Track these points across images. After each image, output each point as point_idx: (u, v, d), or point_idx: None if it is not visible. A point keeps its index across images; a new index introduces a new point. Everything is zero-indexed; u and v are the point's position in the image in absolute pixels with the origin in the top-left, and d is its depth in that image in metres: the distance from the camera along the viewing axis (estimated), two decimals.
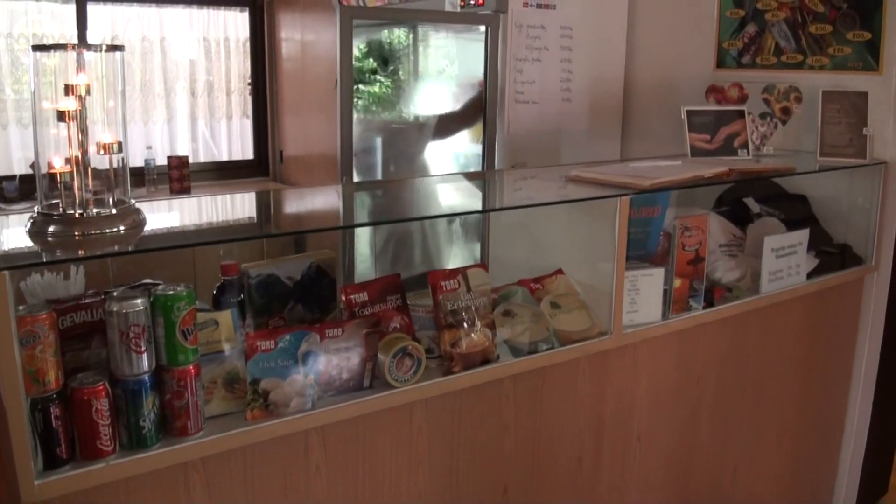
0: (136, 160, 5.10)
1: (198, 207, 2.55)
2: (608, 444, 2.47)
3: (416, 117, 4.03)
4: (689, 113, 3.11)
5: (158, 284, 1.71)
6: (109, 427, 1.58)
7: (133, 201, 1.85)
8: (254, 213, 2.41)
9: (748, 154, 3.12)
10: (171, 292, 1.62)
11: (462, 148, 3.83)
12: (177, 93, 5.38)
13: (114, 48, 1.80)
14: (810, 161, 3.18)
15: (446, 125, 3.90)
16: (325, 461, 1.87)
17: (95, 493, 1.58)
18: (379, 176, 3.99)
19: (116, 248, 1.75)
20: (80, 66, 1.74)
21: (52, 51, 1.75)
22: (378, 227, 3.69)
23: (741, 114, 3.18)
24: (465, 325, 2.04)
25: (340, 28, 3.07)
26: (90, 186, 1.77)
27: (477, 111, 3.61)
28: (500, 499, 2.24)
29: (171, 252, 1.76)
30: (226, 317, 1.75)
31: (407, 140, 4.05)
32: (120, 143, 1.79)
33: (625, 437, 2.52)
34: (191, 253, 3.14)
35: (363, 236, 4.13)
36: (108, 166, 1.79)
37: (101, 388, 1.56)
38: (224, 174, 5.47)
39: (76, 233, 1.72)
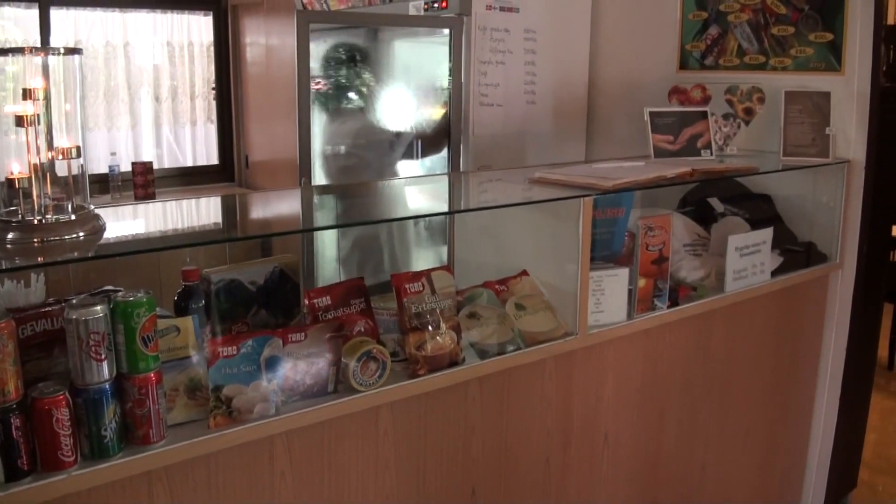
0: (101, 167, 5.05)
1: (153, 213, 2.53)
2: (575, 445, 2.48)
3: (381, 122, 4.03)
4: (653, 114, 3.13)
5: (119, 291, 1.70)
6: (71, 437, 1.56)
7: (92, 207, 1.83)
8: (215, 218, 2.39)
9: (711, 154, 3.14)
10: (130, 299, 1.60)
11: (428, 151, 3.83)
12: (141, 98, 5.34)
13: (72, 51, 1.78)
14: (773, 161, 3.21)
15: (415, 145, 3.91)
16: (291, 467, 1.86)
17: None
18: (346, 180, 3.99)
19: (76, 254, 1.74)
20: (39, 70, 1.72)
21: (10, 55, 1.73)
22: (344, 231, 3.69)
23: (704, 115, 3.21)
24: (430, 327, 2.04)
25: (297, 32, 3.07)
26: (49, 192, 1.75)
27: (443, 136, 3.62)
28: (467, 501, 2.24)
29: (136, 258, 1.75)
30: (187, 323, 1.73)
31: (374, 145, 4.05)
32: (79, 148, 1.77)
33: (592, 437, 2.53)
34: (156, 259, 3.12)
35: (328, 240, 4.12)
36: (67, 172, 1.78)
37: (61, 397, 1.54)
38: (189, 180, 5.42)
39: (35, 239, 1.70)
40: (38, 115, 1.70)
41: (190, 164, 5.55)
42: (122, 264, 1.72)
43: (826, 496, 3.52)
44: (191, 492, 1.73)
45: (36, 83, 1.70)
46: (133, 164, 4.97)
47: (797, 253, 3.17)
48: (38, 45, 4.81)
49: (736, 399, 3.00)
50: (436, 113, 3.72)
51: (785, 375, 3.23)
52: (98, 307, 1.57)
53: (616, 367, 2.53)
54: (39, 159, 1.72)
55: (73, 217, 1.76)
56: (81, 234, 1.75)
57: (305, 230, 2.97)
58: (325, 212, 2.55)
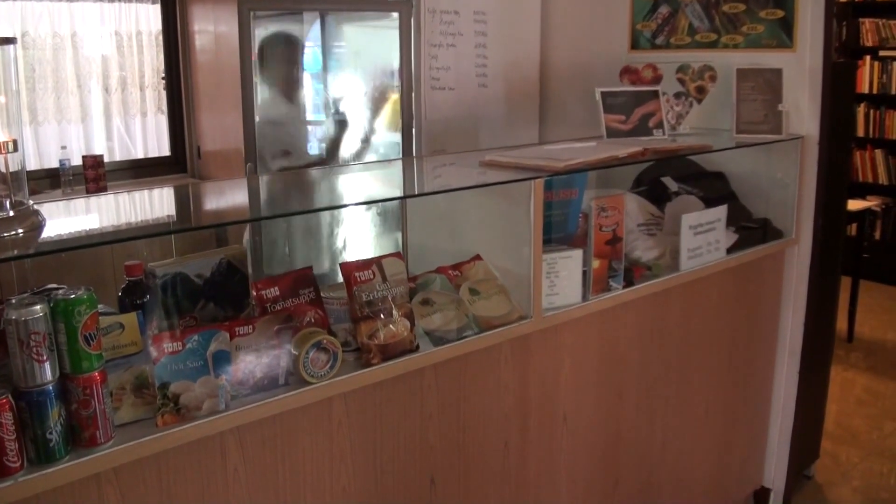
0: (52, 161, 4.98)
1: (103, 207, 2.49)
2: (534, 427, 2.48)
3: (332, 108, 3.99)
4: (604, 94, 3.13)
5: (61, 289, 1.66)
6: (16, 442, 1.52)
7: (31, 203, 1.79)
8: (166, 210, 2.36)
9: (664, 133, 3.15)
10: (70, 296, 1.56)
11: (381, 137, 3.80)
12: (91, 90, 5.26)
13: (5, 41, 1.74)
14: (726, 139, 3.22)
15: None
16: (244, 463, 1.84)
17: None
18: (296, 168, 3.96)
19: (16, 252, 1.70)
20: None
21: None
22: (294, 219, 3.66)
23: (656, 94, 3.21)
24: (382, 315, 2.03)
25: (240, 19, 3.02)
26: None
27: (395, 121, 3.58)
28: (426, 491, 2.23)
29: (82, 255, 1.71)
30: (131, 319, 1.70)
31: (324, 131, 4.01)
32: (15, 142, 1.73)
33: (551, 419, 2.53)
34: (107, 255, 3.07)
35: (277, 229, 4.08)
36: (4, 167, 1.74)
37: (4, 401, 1.50)
38: (141, 172, 5.35)
39: None
40: None
41: (141, 155, 5.48)
42: (68, 261, 1.69)
43: (789, 468, 3.56)
44: (142, 493, 1.70)
45: None
46: (84, 157, 4.89)
47: (752, 230, 3.19)
48: None
49: (694, 376, 3.02)
50: (387, 97, 3.70)
51: (743, 351, 3.25)
52: (38, 306, 1.53)
53: (573, 349, 2.53)
54: None
55: (11, 213, 1.72)
56: (20, 230, 1.72)
57: (251, 220, 2.94)
58: (273, 200, 2.52)
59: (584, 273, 2.48)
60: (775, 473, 3.58)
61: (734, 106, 3.22)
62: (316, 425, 1.95)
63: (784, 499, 3.58)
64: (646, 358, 2.79)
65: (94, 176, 4.85)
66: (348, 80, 3.96)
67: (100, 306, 1.63)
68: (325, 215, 3.74)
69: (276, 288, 1.96)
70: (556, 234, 2.49)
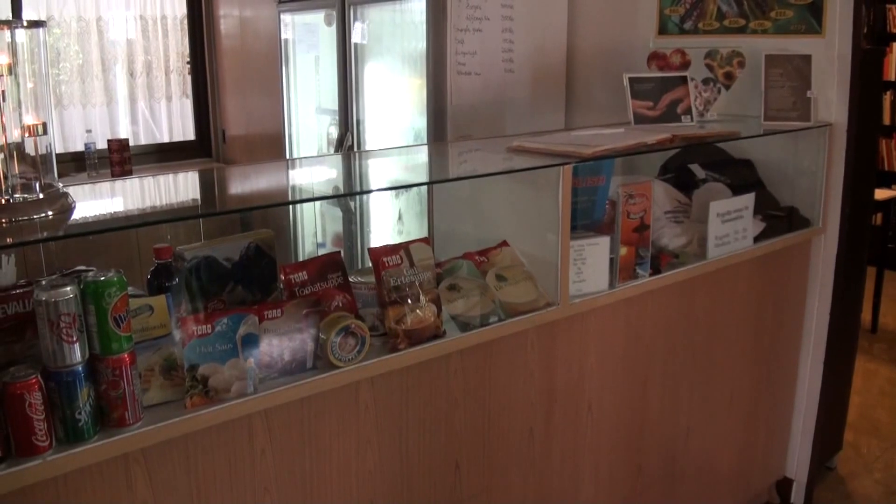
0: (77, 145, 5.01)
1: (129, 190, 2.49)
2: (559, 414, 2.47)
3: (356, 93, 3.99)
4: (632, 80, 3.10)
5: (90, 271, 1.66)
6: (44, 421, 1.53)
7: (61, 185, 1.79)
8: (192, 194, 2.36)
9: (692, 120, 3.12)
10: (101, 278, 1.57)
11: (407, 122, 3.79)
12: (115, 74, 5.28)
13: (35, 24, 1.74)
14: (755, 125, 3.19)
15: None
16: (271, 446, 1.84)
17: (34, 491, 1.53)
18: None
19: (46, 234, 1.70)
20: (3, 46, 1.68)
21: None
22: (323, 204, 3.65)
23: (684, 80, 3.18)
24: (410, 300, 2.02)
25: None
26: (16, 171, 1.72)
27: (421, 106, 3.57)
28: (451, 476, 2.23)
29: (109, 237, 1.71)
30: (160, 302, 1.70)
31: (350, 117, 4.01)
32: (45, 125, 1.73)
33: (576, 407, 2.52)
34: (133, 238, 3.08)
35: (306, 214, 4.09)
36: (34, 150, 1.74)
37: (33, 381, 1.51)
38: (166, 156, 5.38)
39: (2, 220, 1.67)
40: (3, 91, 1.66)
41: (166, 139, 5.51)
42: (95, 244, 1.69)
43: (811, 459, 3.53)
44: (169, 473, 1.71)
45: (0, 59, 1.66)
46: (109, 141, 4.93)
47: (779, 218, 3.16)
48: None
49: (719, 365, 3.00)
50: (413, 83, 3.68)
51: (768, 340, 3.23)
52: (68, 288, 1.54)
53: (598, 337, 2.51)
54: (6, 138, 1.68)
55: (41, 196, 1.72)
56: (50, 213, 1.72)
57: (279, 204, 2.94)
58: (303, 185, 2.52)
59: (612, 260, 2.47)
60: (798, 464, 3.55)
61: (763, 92, 3.18)
62: (343, 409, 1.95)
63: (806, 490, 3.55)
64: (671, 346, 2.77)
65: (119, 159, 4.87)
66: (374, 66, 3.94)
67: (129, 289, 1.63)
68: (354, 201, 3.74)
69: (304, 272, 1.96)
70: (582, 220, 2.48)
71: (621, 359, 2.61)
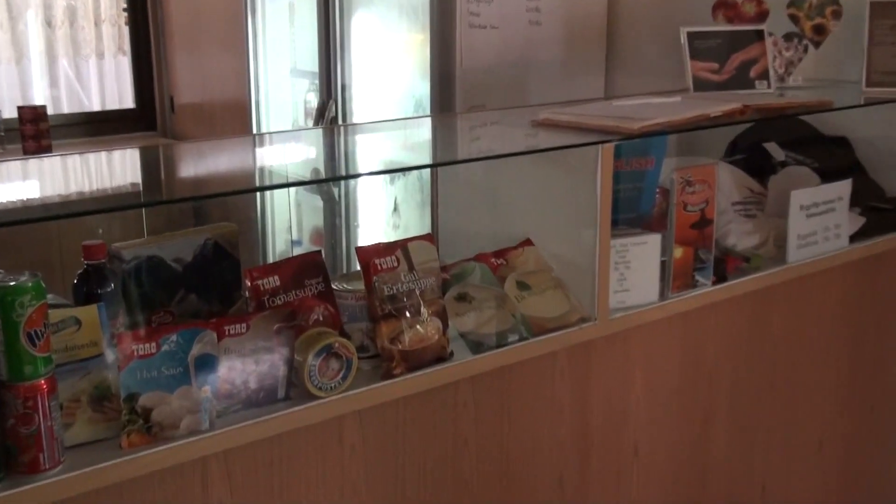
0: None
1: (47, 171, 2.51)
2: (597, 461, 2.49)
3: (344, 50, 4.01)
4: (692, 35, 3.11)
5: None
6: None
7: None
8: (130, 178, 2.38)
9: (769, 86, 3.13)
10: (10, 283, 1.56)
11: (404, 88, 3.80)
12: (27, 23, 5.28)
13: None
14: (853, 93, 3.19)
15: None
16: (231, 497, 1.85)
17: None
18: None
19: None
20: None
21: None
22: (299, 191, 3.66)
23: (760, 35, 3.19)
24: (408, 314, 2.04)
25: None
26: None
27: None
28: None
29: (26, 232, 1.73)
30: (90, 313, 1.71)
31: (332, 81, 4.03)
32: None
33: (618, 451, 2.53)
34: (56, 232, 3.09)
35: (279, 204, 4.10)
36: None
37: None
38: (96, 129, 5.38)
39: None
40: None
41: (97, 108, 5.51)
42: (3, 240, 1.70)
43: None
44: None
45: None
46: (19, 108, 4.92)
47: (884, 211, 3.16)
48: None
49: (804, 399, 3.01)
50: (413, 39, 3.70)
51: (868, 367, 3.23)
52: None
53: (646, 361, 2.53)
54: None
55: None
56: None
57: (244, 191, 2.95)
58: (274, 167, 2.53)
59: (663, 264, 2.48)
60: None
61: (865, 51, 3.18)
62: (323, 450, 1.96)
63: None
64: (740, 375, 2.78)
65: (33, 132, 4.86)
66: (362, 18, 3.96)
67: (49, 297, 1.63)
68: (338, 187, 3.76)
69: (276, 277, 1.97)
70: (628, 214, 2.49)
71: (675, 390, 2.63)
